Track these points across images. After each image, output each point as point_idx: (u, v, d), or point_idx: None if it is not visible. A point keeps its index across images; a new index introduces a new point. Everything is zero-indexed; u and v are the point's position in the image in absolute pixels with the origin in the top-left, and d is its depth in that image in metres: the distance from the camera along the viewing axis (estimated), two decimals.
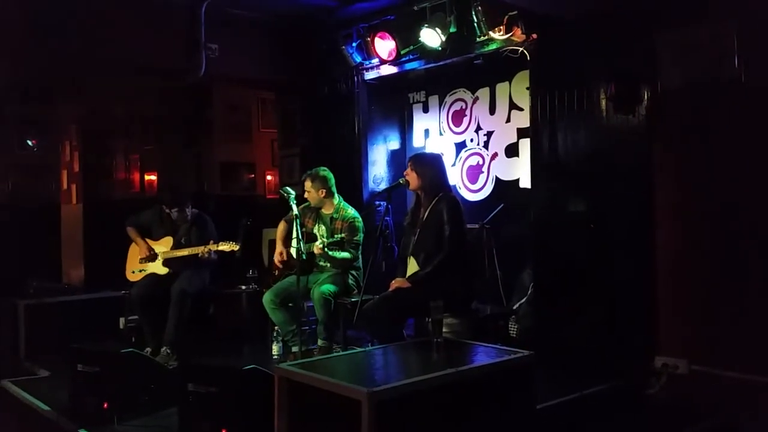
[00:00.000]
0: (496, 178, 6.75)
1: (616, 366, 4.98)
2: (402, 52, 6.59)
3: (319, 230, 5.96)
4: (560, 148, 5.55)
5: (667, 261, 5.05)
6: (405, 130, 7.69)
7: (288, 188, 5.70)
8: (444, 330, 4.36)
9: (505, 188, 6.65)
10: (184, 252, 6.09)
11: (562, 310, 5.42)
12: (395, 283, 4.82)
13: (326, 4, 6.79)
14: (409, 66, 6.75)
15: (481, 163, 6.89)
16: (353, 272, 5.86)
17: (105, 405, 4.57)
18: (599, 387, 4.81)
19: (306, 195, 5.96)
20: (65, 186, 9.56)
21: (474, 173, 6.96)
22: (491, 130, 6.79)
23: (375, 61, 6.91)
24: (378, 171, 7.44)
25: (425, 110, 7.50)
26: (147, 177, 9.36)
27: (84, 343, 5.01)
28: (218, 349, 6.18)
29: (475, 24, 5.85)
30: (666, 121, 5.04)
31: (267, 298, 5.77)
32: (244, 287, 6.61)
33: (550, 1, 5.39)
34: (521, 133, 6.43)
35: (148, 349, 5.94)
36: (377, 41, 6.66)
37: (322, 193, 5.90)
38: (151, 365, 5.05)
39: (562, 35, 5.47)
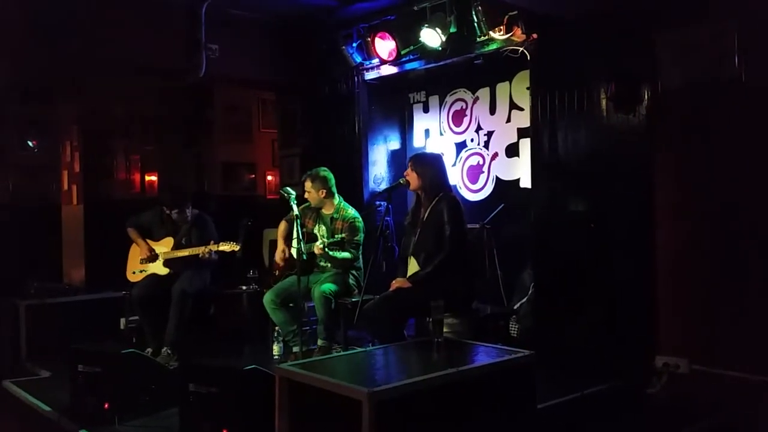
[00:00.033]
0: (497, 178, 6.75)
1: (617, 366, 4.98)
2: (402, 52, 6.59)
3: (320, 230, 5.97)
4: (560, 148, 5.55)
5: (667, 261, 5.05)
6: (405, 130, 7.69)
7: (288, 188, 5.70)
8: (445, 330, 4.35)
9: (505, 188, 6.66)
10: (185, 252, 6.09)
11: (563, 310, 5.42)
12: (396, 283, 4.82)
13: (326, 4, 6.80)
14: (409, 66, 6.76)
15: (481, 163, 6.90)
16: (354, 272, 5.86)
17: (106, 405, 4.58)
18: (600, 387, 4.81)
19: (306, 195, 5.96)
20: (66, 186, 9.53)
21: (474, 173, 6.96)
22: (491, 130, 6.80)
23: (375, 61, 6.92)
24: (378, 171, 7.45)
25: (425, 110, 7.50)
26: (148, 177, 9.34)
27: (85, 344, 5.02)
28: (219, 350, 6.19)
29: (476, 24, 5.85)
30: (666, 121, 5.04)
31: (267, 298, 5.77)
32: (244, 287, 6.61)
33: (550, 1, 5.39)
34: (521, 133, 6.44)
35: (149, 350, 5.95)
36: (377, 41, 6.67)
37: (323, 193, 5.90)
38: (152, 365, 5.05)
39: (562, 35, 5.47)
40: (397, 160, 7.52)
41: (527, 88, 5.98)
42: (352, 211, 5.93)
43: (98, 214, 8.89)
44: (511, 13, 5.66)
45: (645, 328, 5.10)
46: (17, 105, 8.56)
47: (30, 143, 9.22)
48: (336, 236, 5.74)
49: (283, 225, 6.07)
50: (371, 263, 4.90)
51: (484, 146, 6.87)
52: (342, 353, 5.14)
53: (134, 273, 6.29)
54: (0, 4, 5.83)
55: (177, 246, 6.19)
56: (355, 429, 3.10)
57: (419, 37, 6.13)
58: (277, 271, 6.15)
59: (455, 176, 6.98)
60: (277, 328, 5.93)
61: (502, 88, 6.68)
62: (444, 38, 6.02)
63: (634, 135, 5.16)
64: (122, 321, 6.59)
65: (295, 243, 5.59)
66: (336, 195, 5.99)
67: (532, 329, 5.70)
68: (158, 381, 4.83)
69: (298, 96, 8.05)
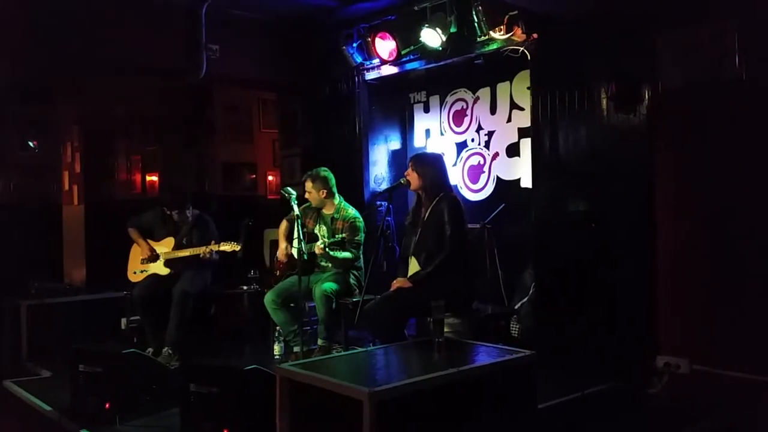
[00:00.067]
0: (497, 177, 6.75)
1: (617, 366, 4.98)
2: (402, 52, 6.60)
3: (320, 230, 5.97)
4: (561, 147, 5.55)
5: (667, 261, 5.05)
6: (406, 130, 7.70)
7: (289, 188, 5.71)
8: (445, 330, 4.36)
9: (506, 188, 6.66)
10: (186, 252, 6.10)
11: (564, 310, 5.43)
12: (396, 283, 4.82)
13: (327, 4, 6.80)
14: (409, 66, 6.76)
15: (482, 162, 6.90)
16: (354, 272, 5.86)
17: (107, 405, 4.58)
18: (600, 387, 4.81)
19: (307, 195, 5.96)
20: (67, 187, 9.54)
21: (475, 173, 6.96)
22: (492, 129, 6.80)
23: (376, 61, 6.92)
24: (379, 171, 7.45)
25: (426, 110, 7.51)
26: (148, 178, 9.35)
27: (86, 344, 5.02)
28: (220, 350, 6.19)
29: (476, 24, 5.85)
30: (666, 120, 5.04)
31: (268, 298, 5.78)
32: (245, 287, 6.61)
33: (550, 1, 5.39)
34: (522, 132, 6.44)
35: (150, 350, 5.95)
36: (378, 41, 6.67)
37: (323, 193, 5.91)
38: (153, 365, 5.05)
39: (562, 35, 5.47)
40: (397, 160, 7.53)
41: (528, 88, 5.98)
42: (352, 211, 5.94)
43: (99, 214, 8.90)
44: (511, 13, 5.66)
45: (645, 328, 5.09)
46: (18, 105, 8.56)
47: (31, 143, 9.23)
48: (336, 236, 5.74)
49: (284, 224, 6.08)
50: (372, 263, 4.91)
51: (484, 146, 6.87)
52: (343, 353, 5.15)
53: (135, 273, 6.30)
54: (0, 4, 5.83)
55: (178, 246, 6.20)
56: (355, 429, 3.10)
57: (419, 37, 6.14)
58: (277, 271, 6.16)
59: (456, 176, 6.98)
60: (277, 328, 5.93)
61: (502, 88, 6.68)
62: (444, 38, 6.02)
63: (635, 135, 5.16)
64: (123, 321, 6.59)
65: (295, 243, 5.60)
66: (336, 195, 6.00)
67: (533, 329, 5.70)
68: (159, 381, 4.83)
69: (298, 96, 8.05)
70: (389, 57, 6.73)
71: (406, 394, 3.25)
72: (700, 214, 4.90)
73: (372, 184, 7.33)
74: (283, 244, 6.01)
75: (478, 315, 5.34)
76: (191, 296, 6.00)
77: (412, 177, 4.96)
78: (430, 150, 7.17)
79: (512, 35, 5.71)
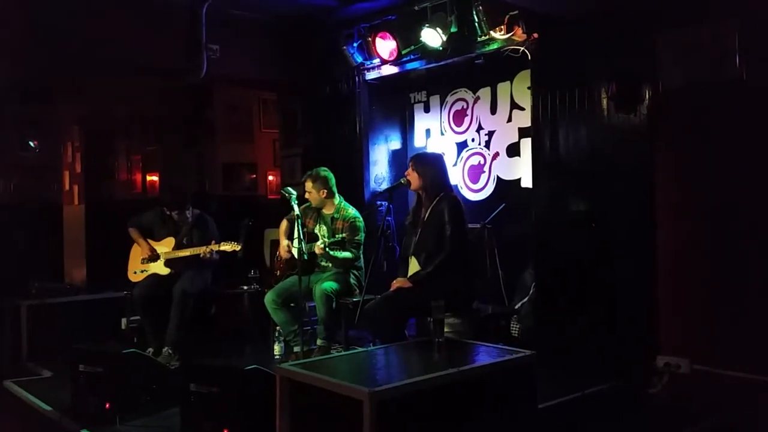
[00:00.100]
0: (498, 177, 6.75)
1: (618, 365, 4.98)
2: (403, 52, 6.59)
3: (320, 230, 5.97)
4: (561, 147, 5.55)
5: (668, 260, 5.04)
6: (406, 129, 7.70)
7: (289, 188, 5.71)
8: (445, 330, 4.35)
9: (506, 188, 6.66)
10: (186, 252, 6.10)
11: (564, 310, 5.42)
12: (396, 283, 4.82)
13: (327, 4, 6.80)
14: (410, 66, 6.76)
15: (482, 162, 6.90)
16: (355, 272, 5.86)
17: (107, 405, 4.58)
18: (601, 386, 4.81)
19: (307, 196, 5.96)
20: (67, 187, 9.56)
21: (475, 173, 6.96)
22: (492, 129, 6.80)
23: (376, 61, 6.92)
24: (379, 171, 7.45)
25: (426, 110, 7.51)
26: (149, 178, 9.37)
27: (86, 344, 5.02)
28: (220, 350, 6.19)
29: (476, 24, 5.85)
30: (667, 120, 5.04)
31: (269, 298, 5.78)
32: (245, 287, 6.61)
33: (551, 0, 5.39)
34: (522, 132, 6.43)
35: (150, 350, 5.96)
36: (378, 41, 6.67)
37: (323, 193, 5.91)
38: (153, 365, 5.05)
39: (563, 35, 5.47)
40: (398, 160, 7.53)
41: (528, 88, 5.97)
42: (352, 211, 5.94)
43: (99, 214, 8.92)
44: (511, 13, 5.66)
45: (646, 327, 5.09)
46: (18, 105, 8.58)
47: (31, 143, 9.25)
48: (337, 236, 5.74)
49: (284, 224, 6.09)
50: (372, 263, 4.91)
51: (485, 146, 6.87)
52: (343, 353, 5.15)
53: (135, 273, 6.30)
54: (0, 4, 5.83)
55: (178, 246, 6.20)
56: (356, 429, 3.10)
57: (420, 36, 6.13)
58: (278, 271, 6.17)
59: (456, 176, 6.98)
60: (278, 327, 5.94)
61: (503, 88, 6.68)
62: (445, 38, 6.02)
63: (635, 135, 5.16)
64: (123, 321, 6.59)
65: (296, 243, 5.60)
66: (336, 195, 6.00)
67: (533, 329, 5.70)
68: (159, 381, 4.83)
69: (298, 96, 8.05)
70: (390, 57, 6.73)
71: (407, 394, 3.25)
72: (700, 213, 4.89)
73: (372, 184, 7.34)
74: (283, 243, 6.01)
75: (478, 315, 5.34)
76: (191, 296, 6.01)
77: (413, 177, 4.96)
78: (430, 150, 7.17)
79: (513, 35, 5.71)
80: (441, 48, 6.14)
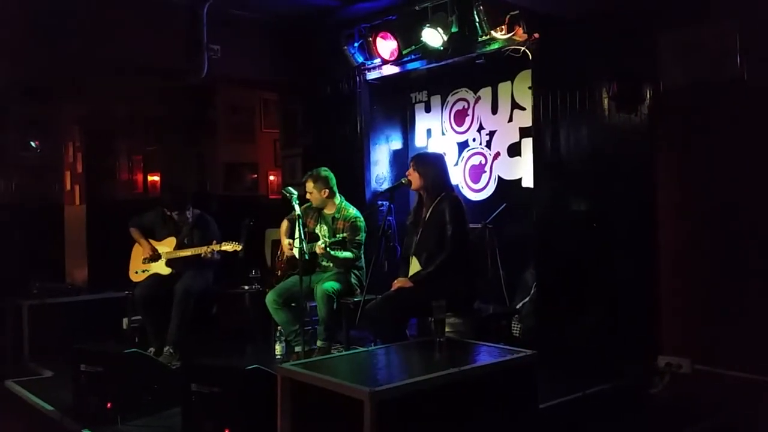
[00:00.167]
0: (499, 177, 6.75)
1: (619, 365, 4.98)
2: (404, 52, 6.59)
3: (321, 230, 5.97)
4: (562, 147, 5.55)
5: (668, 260, 5.05)
6: (407, 129, 7.70)
7: (290, 188, 5.72)
8: (447, 330, 4.36)
9: (507, 188, 6.66)
10: (187, 252, 6.10)
11: (565, 310, 5.43)
12: (398, 283, 4.82)
13: (328, 4, 6.80)
14: (411, 66, 6.75)
15: (483, 162, 6.90)
16: (356, 272, 5.86)
17: (108, 405, 4.58)
18: (602, 386, 4.81)
19: (308, 196, 5.96)
20: (68, 187, 9.57)
21: (476, 173, 6.96)
22: (493, 129, 6.80)
23: (377, 61, 6.92)
24: (380, 171, 7.45)
25: (427, 110, 7.51)
26: (150, 178, 9.37)
27: (87, 344, 5.03)
28: (221, 349, 6.20)
29: (477, 23, 5.85)
30: (668, 120, 5.04)
31: (270, 298, 5.78)
32: (247, 287, 6.61)
33: (551, 0, 5.39)
34: (523, 132, 6.43)
35: (151, 349, 5.96)
36: (379, 41, 6.67)
37: (325, 193, 5.90)
38: (154, 365, 5.06)
39: (563, 35, 5.47)
40: (399, 160, 7.53)
41: (529, 88, 5.97)
42: (353, 211, 5.94)
43: (101, 214, 8.93)
44: (512, 13, 5.65)
45: (647, 327, 5.09)
46: (19, 105, 8.59)
47: (32, 144, 9.26)
48: (338, 236, 5.74)
49: (285, 223, 6.09)
50: (373, 263, 4.91)
51: (486, 146, 6.87)
52: (344, 353, 5.15)
53: (137, 273, 6.30)
54: (0, 4, 5.83)
55: (179, 246, 6.20)
56: (356, 429, 3.10)
57: (421, 36, 6.13)
58: (279, 271, 6.17)
59: (457, 176, 6.98)
60: (279, 327, 5.93)
61: (503, 88, 6.68)
62: (445, 38, 6.02)
63: (636, 134, 5.16)
64: (125, 321, 6.61)
65: (297, 243, 5.60)
66: (337, 195, 6.00)
67: (534, 329, 5.70)
68: (161, 381, 4.84)
69: (299, 96, 8.05)
70: (390, 57, 6.73)
71: (407, 394, 3.25)
72: (701, 213, 4.89)
73: (373, 184, 7.34)
74: (285, 241, 6.01)
75: (479, 315, 5.34)
76: (193, 295, 6.01)
77: (414, 177, 4.96)
78: (431, 150, 7.16)
79: (513, 35, 5.71)
80: (442, 48, 6.14)
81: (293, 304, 5.76)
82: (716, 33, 4.74)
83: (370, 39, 6.74)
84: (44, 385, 5.74)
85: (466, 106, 7.08)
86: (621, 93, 5.17)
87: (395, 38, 6.62)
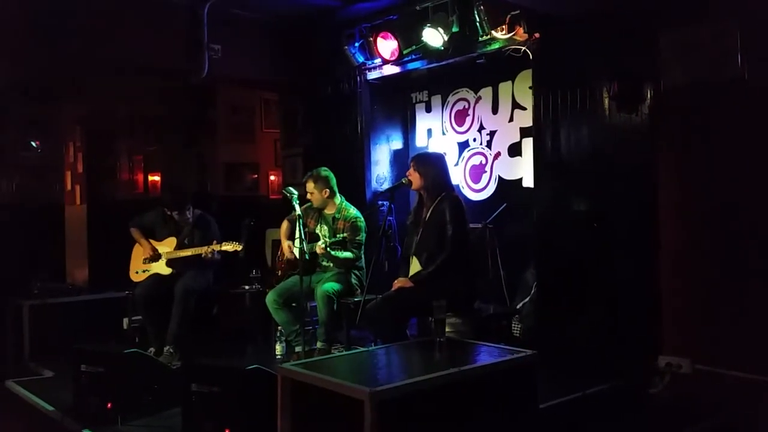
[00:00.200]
0: (499, 177, 6.74)
1: (619, 365, 4.97)
2: (404, 51, 6.58)
3: (322, 230, 5.97)
4: (563, 147, 5.55)
5: (669, 260, 5.04)
6: (408, 129, 7.70)
7: (291, 188, 5.71)
8: (447, 330, 4.36)
9: (508, 188, 6.65)
10: (188, 252, 6.10)
11: (565, 310, 5.42)
12: (398, 283, 4.83)
13: (328, 4, 6.81)
14: (411, 66, 6.75)
15: (484, 162, 6.89)
16: (356, 272, 5.86)
17: (109, 405, 4.59)
18: (602, 386, 4.81)
19: (309, 196, 5.95)
20: (69, 187, 9.58)
21: (477, 173, 6.96)
22: (494, 129, 6.79)
23: (377, 61, 6.92)
24: (381, 171, 7.45)
25: (428, 110, 7.50)
26: (151, 178, 9.37)
27: (88, 344, 5.03)
28: (221, 349, 6.20)
29: (478, 23, 5.85)
30: (668, 120, 5.03)
31: (270, 298, 5.78)
32: (247, 287, 6.61)
33: (552, 0, 5.39)
34: (524, 132, 6.43)
35: (152, 350, 5.96)
36: (380, 41, 6.67)
37: (326, 193, 5.90)
38: (155, 365, 5.06)
39: (564, 35, 5.47)
40: (399, 160, 7.53)
41: (530, 88, 5.97)
42: (353, 211, 5.94)
43: (101, 214, 8.93)
44: (513, 13, 5.65)
45: (647, 327, 5.09)
46: (20, 105, 8.59)
47: (33, 144, 9.26)
48: (338, 236, 5.74)
49: (285, 224, 6.08)
50: (374, 263, 4.91)
51: (486, 146, 6.87)
52: (344, 353, 5.15)
53: (137, 273, 6.31)
54: (0, 4, 5.83)
55: (180, 246, 6.21)
56: (357, 429, 3.10)
57: (421, 36, 6.13)
58: (279, 271, 6.17)
59: (458, 176, 6.98)
60: (279, 327, 5.93)
61: (504, 88, 6.67)
62: (446, 38, 6.02)
63: (637, 134, 5.16)
64: (125, 321, 6.61)
65: (297, 243, 5.60)
66: (338, 195, 5.99)
67: (535, 329, 5.70)
68: (161, 381, 4.84)
69: (300, 96, 8.05)
70: (391, 57, 6.73)
71: (408, 394, 3.25)
72: (701, 213, 4.89)
73: (374, 184, 7.34)
74: (285, 244, 6.01)
75: (479, 315, 5.34)
76: (193, 293, 6.01)
77: (414, 177, 4.96)
78: (431, 150, 7.16)
79: (514, 35, 5.71)
80: (442, 48, 6.14)
81: (293, 304, 5.76)
82: (716, 33, 4.74)
83: (371, 39, 6.74)
84: (45, 385, 5.75)
85: (466, 106, 7.08)
86: (621, 93, 5.17)
87: (396, 38, 6.62)
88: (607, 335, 5.14)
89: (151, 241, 6.30)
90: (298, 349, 5.62)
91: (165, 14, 6.66)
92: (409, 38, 6.48)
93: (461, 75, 6.93)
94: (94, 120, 9.19)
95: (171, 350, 5.87)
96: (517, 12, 5.61)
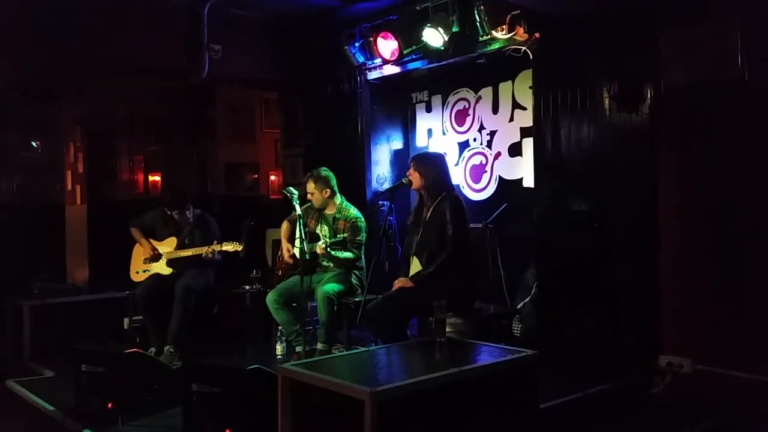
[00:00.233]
0: (500, 177, 6.74)
1: (619, 365, 4.98)
2: (405, 51, 6.59)
3: (322, 230, 5.97)
4: (563, 147, 5.55)
5: (669, 260, 5.04)
6: (408, 129, 7.70)
7: (291, 188, 5.71)
8: (447, 330, 4.36)
9: (508, 187, 6.65)
10: (188, 252, 6.10)
11: (566, 310, 5.43)
12: (398, 283, 4.83)
13: (328, 4, 6.81)
14: (411, 66, 6.76)
15: (484, 162, 6.89)
16: (356, 272, 5.86)
17: (109, 405, 4.59)
18: (602, 386, 4.81)
19: (309, 197, 5.95)
20: (69, 187, 9.57)
21: (477, 173, 6.96)
22: (494, 129, 6.79)
23: (378, 61, 6.92)
24: (381, 171, 7.45)
25: (428, 110, 7.50)
26: (151, 178, 9.37)
27: (88, 344, 5.04)
28: (222, 349, 6.20)
29: (478, 23, 5.85)
30: (669, 120, 5.03)
31: (270, 298, 5.78)
32: (247, 287, 6.61)
33: (552, 0, 5.38)
34: (524, 132, 6.43)
35: (152, 349, 5.96)
36: (380, 41, 6.67)
37: (326, 193, 5.90)
38: (155, 365, 5.07)
39: (564, 35, 5.47)
40: (399, 160, 7.53)
41: (530, 88, 5.97)
42: (354, 211, 5.94)
43: (101, 214, 8.93)
44: (513, 13, 5.65)
45: (647, 327, 5.09)
46: (20, 105, 8.59)
47: (33, 144, 9.26)
48: (338, 236, 5.74)
49: (285, 225, 6.08)
50: (374, 263, 4.91)
51: (486, 146, 6.87)
52: (345, 353, 5.15)
53: (138, 273, 6.31)
54: (0, 4, 5.83)
55: (180, 246, 6.21)
56: (357, 429, 3.10)
57: (422, 36, 6.13)
58: (279, 271, 6.17)
59: (458, 176, 6.98)
60: (280, 327, 5.93)
61: (504, 88, 6.67)
62: (446, 38, 6.02)
63: (637, 134, 5.16)
64: (125, 321, 6.61)
65: (297, 243, 5.59)
66: (338, 195, 6.00)
67: (535, 329, 5.70)
68: (161, 381, 4.84)
69: (300, 96, 8.05)
70: (391, 57, 6.73)
71: (408, 394, 3.25)
72: (701, 213, 4.89)
73: (374, 184, 7.34)
74: (285, 246, 6.01)
75: (480, 315, 5.35)
76: (194, 292, 6.01)
77: (414, 177, 4.96)
78: (432, 150, 7.16)
79: (514, 35, 5.71)
80: (442, 48, 6.14)
81: (294, 304, 5.76)
82: (716, 33, 4.74)
83: (371, 39, 6.74)
84: (45, 385, 5.74)
85: (466, 106, 7.08)
86: (621, 93, 5.16)
87: (396, 38, 6.62)
88: (607, 335, 5.14)
89: (152, 241, 6.30)
90: (298, 349, 5.62)
91: (165, 14, 6.66)
92: (409, 38, 6.48)
93: (461, 75, 6.93)
94: (95, 120, 9.18)
95: (171, 350, 5.87)
96: (518, 12, 5.61)
